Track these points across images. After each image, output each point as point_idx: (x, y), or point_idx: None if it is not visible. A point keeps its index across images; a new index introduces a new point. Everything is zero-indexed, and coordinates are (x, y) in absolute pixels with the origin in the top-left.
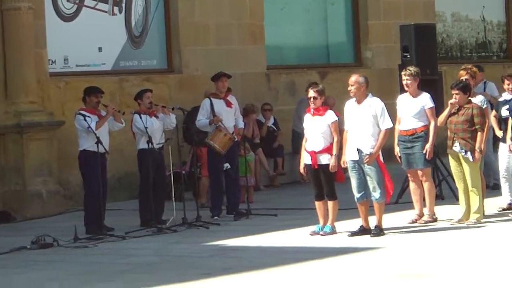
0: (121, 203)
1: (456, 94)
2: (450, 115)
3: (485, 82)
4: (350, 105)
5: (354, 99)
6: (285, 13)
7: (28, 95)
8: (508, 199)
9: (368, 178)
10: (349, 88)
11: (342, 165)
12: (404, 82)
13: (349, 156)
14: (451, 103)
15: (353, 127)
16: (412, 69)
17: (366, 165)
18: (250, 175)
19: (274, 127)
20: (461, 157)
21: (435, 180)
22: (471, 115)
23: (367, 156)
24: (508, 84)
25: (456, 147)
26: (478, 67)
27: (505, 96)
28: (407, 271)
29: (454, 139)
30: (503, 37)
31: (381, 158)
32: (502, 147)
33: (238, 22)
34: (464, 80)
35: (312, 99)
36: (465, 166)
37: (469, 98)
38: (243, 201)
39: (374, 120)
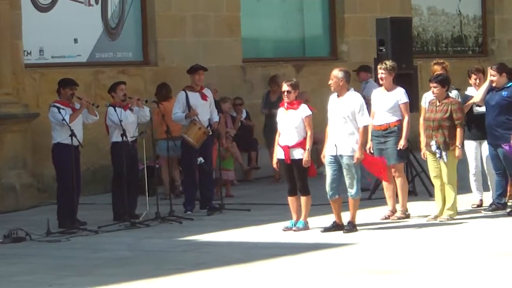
0: (95, 197)
1: (435, 87)
2: (428, 111)
3: (367, 82)
4: (332, 99)
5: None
6: (262, 5)
7: (3, 87)
8: (478, 196)
9: (345, 173)
10: (329, 82)
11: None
12: (379, 76)
13: (328, 151)
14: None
15: (333, 121)
16: (388, 63)
17: (344, 161)
18: (232, 169)
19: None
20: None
21: (408, 176)
22: (450, 110)
23: (355, 158)
24: (475, 79)
25: (433, 145)
26: (364, 67)
27: (472, 91)
28: (379, 267)
29: (432, 136)
30: (479, 31)
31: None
32: (471, 145)
33: (215, 14)
34: (442, 73)
35: (285, 93)
36: (442, 163)
37: (447, 91)
38: (229, 195)
39: (352, 116)
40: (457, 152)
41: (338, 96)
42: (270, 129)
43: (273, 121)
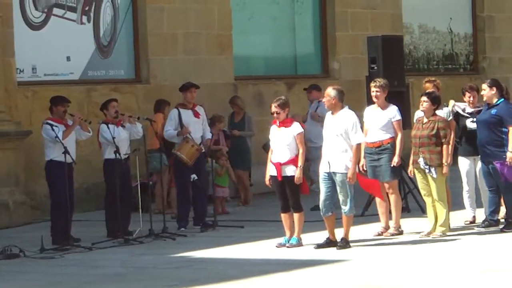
0: (88, 214)
1: (425, 101)
2: (414, 129)
3: (319, 101)
4: (327, 117)
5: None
6: (253, 23)
7: None
8: (471, 212)
9: (338, 190)
10: (323, 100)
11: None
12: (373, 94)
13: (322, 168)
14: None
15: (327, 139)
16: (381, 80)
17: (338, 178)
18: (226, 186)
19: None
20: (426, 173)
21: (401, 193)
22: (437, 128)
23: (349, 177)
24: (469, 97)
25: (421, 162)
26: (315, 86)
27: (467, 109)
28: (373, 284)
29: (419, 153)
30: (470, 49)
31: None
32: (464, 162)
33: (206, 32)
34: (434, 91)
35: (275, 114)
36: (431, 180)
37: (436, 110)
38: (219, 213)
39: (346, 134)
40: (444, 169)
41: (332, 113)
42: (235, 150)
43: (239, 142)
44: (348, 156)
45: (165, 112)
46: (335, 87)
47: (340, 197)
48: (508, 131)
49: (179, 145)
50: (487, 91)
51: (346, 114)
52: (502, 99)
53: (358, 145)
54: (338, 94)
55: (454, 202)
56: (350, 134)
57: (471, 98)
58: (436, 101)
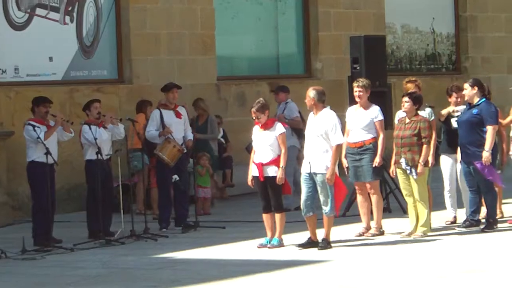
0: (70, 215)
1: (406, 102)
2: (396, 129)
3: (286, 102)
4: (309, 117)
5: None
6: (236, 23)
7: None
8: (452, 213)
9: (319, 191)
10: (305, 100)
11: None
12: (356, 94)
13: (303, 168)
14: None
15: (308, 139)
16: (364, 80)
17: (318, 179)
18: (208, 187)
19: (223, 140)
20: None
21: (382, 193)
22: (418, 128)
23: (327, 178)
24: (456, 97)
25: (402, 162)
26: (282, 87)
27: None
28: (354, 284)
29: (401, 153)
30: (452, 49)
31: (336, 171)
32: (447, 161)
33: (189, 32)
34: (416, 92)
35: (256, 119)
36: (412, 180)
37: (417, 110)
38: (201, 213)
39: (326, 134)
40: (419, 168)
41: (314, 114)
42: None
43: (202, 145)
44: (329, 157)
45: (147, 113)
46: (315, 87)
47: (321, 198)
48: (487, 130)
49: (160, 146)
50: (468, 91)
51: (327, 115)
52: (484, 99)
53: (338, 146)
54: (317, 94)
55: (435, 202)
56: (330, 135)
57: (458, 99)
58: (418, 101)
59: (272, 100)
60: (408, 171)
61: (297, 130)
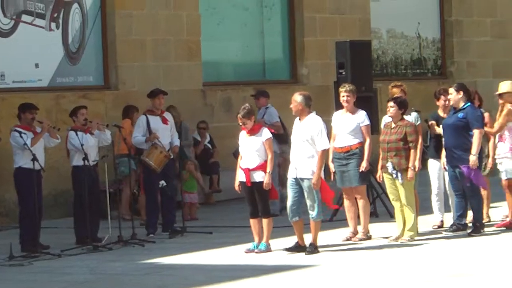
0: (57, 221)
1: (392, 107)
2: (382, 134)
3: (267, 108)
4: (295, 122)
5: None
6: (222, 29)
7: None
8: (439, 217)
9: (306, 196)
10: (291, 105)
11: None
12: (344, 98)
13: (290, 173)
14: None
15: (294, 144)
16: (350, 85)
17: (305, 184)
18: (195, 192)
19: (209, 146)
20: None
21: (369, 198)
22: (404, 133)
23: (313, 183)
24: (445, 101)
25: (389, 167)
26: (263, 92)
27: (439, 112)
28: None
29: (387, 158)
30: (438, 54)
31: (322, 175)
32: (435, 165)
33: (175, 38)
34: (401, 96)
35: (242, 125)
36: (399, 185)
37: (403, 115)
38: (188, 219)
39: (312, 139)
40: (409, 173)
41: (299, 119)
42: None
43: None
44: (315, 162)
45: (133, 118)
46: (301, 92)
47: (308, 202)
48: (473, 134)
49: (147, 152)
50: (454, 95)
51: (313, 120)
52: (469, 103)
53: (323, 151)
54: (304, 99)
55: (422, 207)
56: (316, 140)
57: (446, 102)
58: (403, 106)
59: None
60: (394, 175)
61: (277, 135)
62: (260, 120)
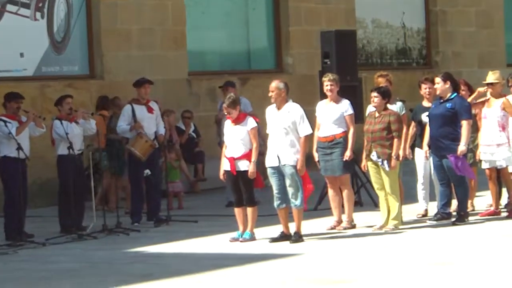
0: (42, 210)
1: (375, 97)
2: (366, 123)
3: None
4: (270, 111)
5: (274, 105)
6: (207, 18)
7: None
8: (424, 205)
9: (288, 184)
10: (269, 94)
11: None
12: (327, 88)
13: (270, 162)
14: (479, 91)
15: (273, 133)
16: (333, 75)
17: (287, 171)
18: (178, 181)
19: (194, 135)
20: (379, 165)
21: (354, 187)
22: (388, 122)
23: (298, 169)
24: (425, 88)
25: (374, 156)
26: (231, 83)
27: (424, 102)
28: (325, 277)
29: (372, 147)
30: (422, 43)
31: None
32: (420, 153)
33: (160, 28)
34: (385, 86)
35: (227, 114)
36: (384, 173)
37: (387, 104)
38: (172, 208)
39: (293, 126)
40: (392, 162)
41: (277, 107)
42: (114, 154)
43: (117, 145)
44: (297, 149)
45: (109, 109)
46: (280, 80)
47: (290, 190)
48: (462, 125)
49: (132, 141)
50: (441, 85)
51: (293, 107)
52: (455, 93)
53: (306, 137)
54: (286, 87)
55: (407, 196)
56: (298, 127)
57: (427, 90)
58: (387, 95)
59: (246, 94)
60: (380, 163)
61: None
62: None
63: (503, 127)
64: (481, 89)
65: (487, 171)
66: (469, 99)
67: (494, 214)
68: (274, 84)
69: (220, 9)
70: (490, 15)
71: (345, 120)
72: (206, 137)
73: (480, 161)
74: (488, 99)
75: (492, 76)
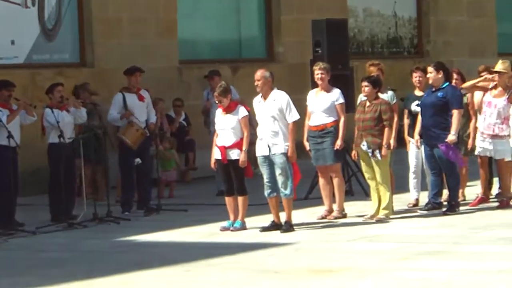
0: (32, 198)
1: (366, 86)
2: (357, 112)
3: None
4: (257, 101)
5: (260, 94)
6: (198, 7)
7: None
8: (415, 195)
9: (278, 172)
10: (255, 83)
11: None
12: (318, 76)
13: (260, 151)
14: (486, 77)
15: (262, 122)
16: (323, 63)
17: (277, 160)
18: (171, 169)
19: (184, 123)
20: (370, 156)
21: (344, 176)
22: (379, 111)
23: (289, 156)
24: (416, 77)
25: (364, 145)
26: (217, 72)
27: (415, 92)
28: (316, 266)
29: (362, 136)
30: (414, 32)
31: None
32: (411, 143)
33: (152, 16)
34: (376, 75)
35: (219, 103)
36: (375, 163)
37: (378, 93)
38: (163, 196)
39: (281, 114)
40: (383, 151)
41: (263, 96)
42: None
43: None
44: (285, 137)
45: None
46: (265, 69)
47: (280, 179)
48: (453, 114)
49: (123, 129)
50: (433, 74)
51: (279, 95)
52: (447, 83)
53: (295, 123)
54: (272, 75)
55: (398, 185)
56: (286, 114)
57: (418, 78)
58: (377, 84)
59: (237, 83)
60: (370, 154)
61: None
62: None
63: (506, 119)
64: (488, 76)
65: (479, 158)
66: (472, 82)
67: (482, 201)
68: (260, 73)
69: None
70: (481, 4)
71: (336, 109)
72: (197, 125)
73: (473, 150)
74: (495, 86)
75: (501, 65)
